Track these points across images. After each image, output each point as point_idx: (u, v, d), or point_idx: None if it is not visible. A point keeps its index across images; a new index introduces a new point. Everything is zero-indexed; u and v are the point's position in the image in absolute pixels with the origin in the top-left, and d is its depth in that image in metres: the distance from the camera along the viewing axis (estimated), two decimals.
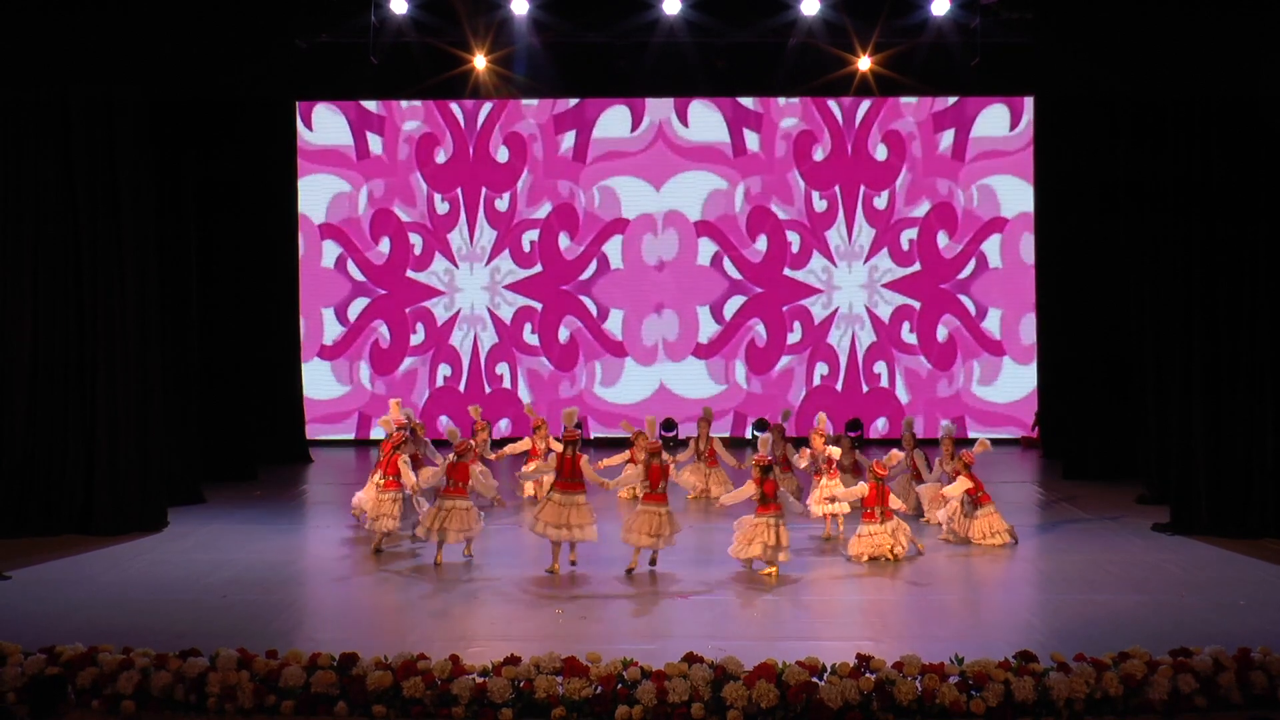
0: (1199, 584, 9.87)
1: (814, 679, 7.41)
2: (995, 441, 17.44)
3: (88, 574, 10.45)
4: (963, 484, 11.32)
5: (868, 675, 7.42)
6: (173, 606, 9.37)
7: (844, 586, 10.12)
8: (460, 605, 9.55)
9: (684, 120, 18.42)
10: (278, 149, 17.08)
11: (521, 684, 7.43)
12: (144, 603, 9.51)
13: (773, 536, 10.30)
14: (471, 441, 11.44)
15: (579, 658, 7.53)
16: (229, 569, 10.56)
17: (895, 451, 11.38)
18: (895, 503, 11.04)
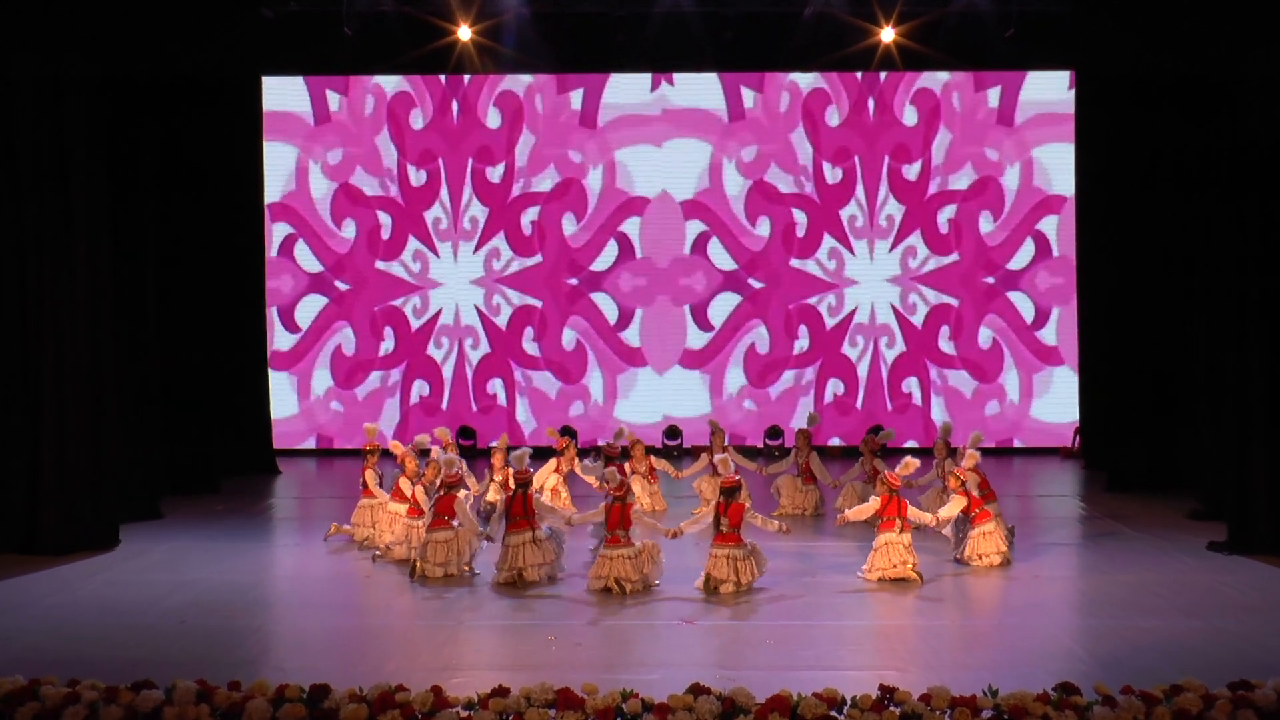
0: (1260, 608, 9.82)
1: (832, 712, 7.37)
2: (1032, 451, 17.56)
3: (30, 597, 10.39)
4: (957, 504, 11.27)
5: (892, 709, 7.38)
6: (125, 633, 9.31)
7: (865, 610, 10.07)
8: (443, 631, 9.51)
9: (669, 78, 17.66)
10: (243, 127, 16.92)
11: (511, 717, 7.39)
12: (93, 629, 9.45)
13: (728, 571, 10.26)
14: (465, 475, 11.52)
15: (574, 689, 7.50)
16: (188, 591, 10.51)
17: (910, 459, 11.26)
18: (919, 516, 10.98)
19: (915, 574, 10.60)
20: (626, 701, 7.43)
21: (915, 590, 10.46)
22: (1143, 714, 7.37)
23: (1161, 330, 14.90)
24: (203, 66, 14.86)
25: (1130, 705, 7.40)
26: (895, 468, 11.30)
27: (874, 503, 10.95)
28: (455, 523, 10.92)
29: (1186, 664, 8.22)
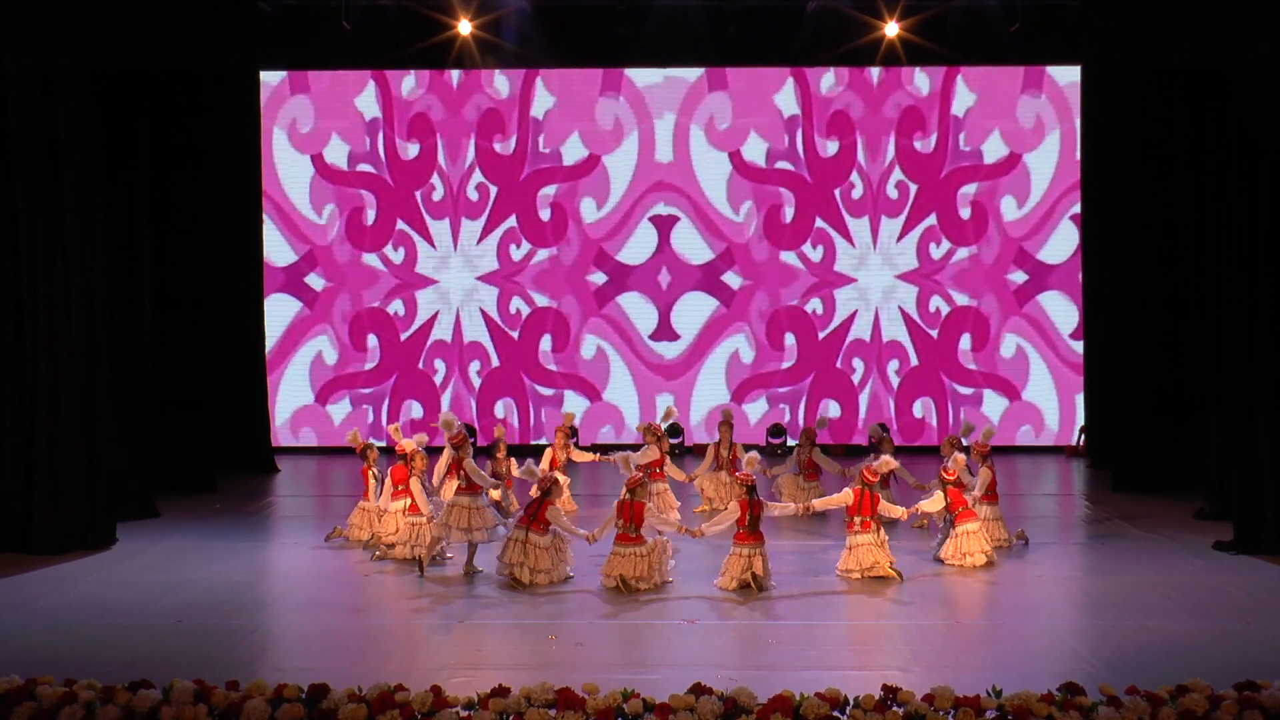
0: (1267, 609, 9.84)
1: (835, 713, 7.40)
2: (1036, 450, 17.47)
3: (25, 597, 10.41)
4: (938, 501, 11.28)
5: (895, 709, 7.40)
6: (121, 633, 9.34)
7: (868, 610, 10.10)
8: (443, 631, 9.54)
9: None
10: (242, 123, 16.83)
11: (511, 717, 7.42)
12: (89, 629, 9.47)
13: (749, 568, 10.32)
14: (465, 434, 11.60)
15: (574, 689, 7.52)
16: (185, 591, 10.53)
17: (887, 458, 11.26)
18: (889, 510, 11.01)
19: (892, 570, 10.65)
20: (628, 701, 7.46)
21: (918, 590, 10.49)
22: (1148, 715, 7.39)
23: (1169, 328, 14.86)
24: (200, 62, 14.84)
25: (1135, 706, 7.42)
26: (868, 464, 11.27)
27: (846, 495, 10.94)
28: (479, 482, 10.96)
29: (1192, 664, 8.25)
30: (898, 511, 11.13)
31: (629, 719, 7.38)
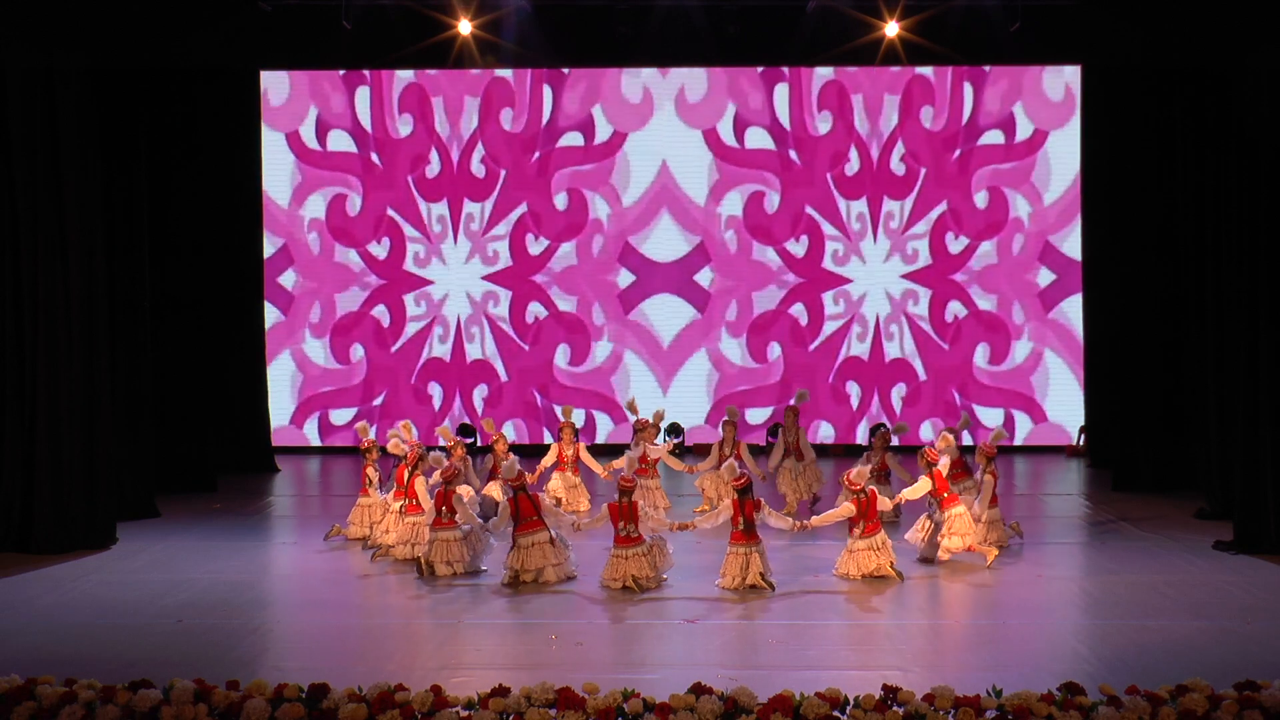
0: (1267, 609, 9.83)
1: (835, 712, 7.41)
2: (1036, 449, 17.45)
3: (25, 596, 10.42)
4: (923, 486, 11.24)
5: (895, 709, 7.41)
6: (121, 633, 9.34)
7: (868, 609, 10.10)
8: (443, 631, 9.55)
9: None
10: (242, 122, 16.84)
11: (511, 717, 7.43)
12: (89, 628, 9.48)
13: (743, 570, 10.31)
14: (460, 465, 11.61)
15: (574, 688, 7.53)
16: (185, 590, 10.54)
17: (863, 468, 11.15)
18: (883, 504, 10.98)
19: (892, 571, 10.65)
20: (628, 701, 7.47)
21: (918, 590, 10.50)
22: (1148, 714, 7.40)
23: (1169, 327, 14.87)
24: (199, 61, 14.84)
25: (1135, 705, 7.43)
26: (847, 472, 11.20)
27: (846, 509, 10.88)
28: (459, 519, 10.96)
29: (1192, 664, 8.27)
30: (886, 505, 11.13)
31: (629, 719, 7.39)
